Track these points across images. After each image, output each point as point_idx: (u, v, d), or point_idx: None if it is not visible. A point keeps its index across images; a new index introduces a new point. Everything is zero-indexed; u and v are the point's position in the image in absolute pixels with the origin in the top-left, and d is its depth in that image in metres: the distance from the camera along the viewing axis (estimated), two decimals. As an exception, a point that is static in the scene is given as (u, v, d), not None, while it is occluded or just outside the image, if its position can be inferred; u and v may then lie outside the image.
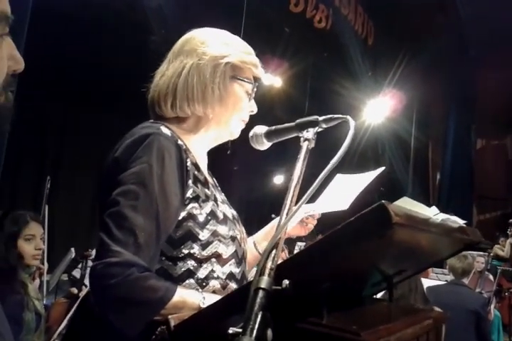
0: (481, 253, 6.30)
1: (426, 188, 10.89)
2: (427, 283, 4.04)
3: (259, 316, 0.69)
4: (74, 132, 5.84)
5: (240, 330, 0.69)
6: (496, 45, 9.14)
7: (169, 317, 0.92)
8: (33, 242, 2.48)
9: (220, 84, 1.27)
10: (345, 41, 8.15)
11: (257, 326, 0.68)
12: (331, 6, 7.76)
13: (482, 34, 9.11)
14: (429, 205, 1.20)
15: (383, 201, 0.72)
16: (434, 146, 11.26)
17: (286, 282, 0.75)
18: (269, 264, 0.77)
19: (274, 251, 0.80)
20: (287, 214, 0.88)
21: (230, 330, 0.71)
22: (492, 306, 4.86)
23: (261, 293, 0.72)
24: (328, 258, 0.79)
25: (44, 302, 3.35)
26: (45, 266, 3.51)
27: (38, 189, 5.37)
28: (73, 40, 5.05)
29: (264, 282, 0.74)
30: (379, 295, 1.93)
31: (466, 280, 4.09)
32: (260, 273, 0.76)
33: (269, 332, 0.71)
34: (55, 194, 5.53)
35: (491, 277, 5.70)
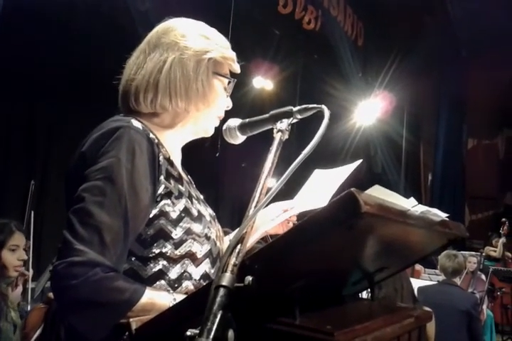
0: (473, 253, 6.28)
1: (418, 189, 10.89)
2: (418, 283, 4.00)
3: (219, 316, 0.64)
4: (62, 135, 5.75)
5: (198, 332, 0.63)
6: (487, 46, 9.19)
7: (130, 320, 0.86)
8: (16, 253, 2.41)
9: (203, 80, 1.23)
10: (334, 42, 8.13)
11: (215, 327, 0.62)
12: (320, 7, 7.74)
13: (472, 35, 9.15)
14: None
15: (353, 189, 0.67)
16: (426, 147, 11.27)
17: (249, 278, 0.69)
18: (232, 260, 0.72)
19: (238, 246, 0.74)
20: (255, 206, 0.83)
21: (188, 332, 0.65)
22: (484, 306, 4.83)
23: (221, 291, 0.67)
24: (296, 252, 0.73)
25: (29, 308, 3.28)
26: (30, 273, 3.44)
27: (26, 193, 5.29)
28: (59, 41, 4.99)
29: (226, 279, 0.68)
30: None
31: (458, 280, 4.05)
32: (222, 269, 0.70)
33: (230, 333, 0.65)
34: (43, 199, 5.43)
35: (484, 277, 5.67)
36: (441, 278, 4.16)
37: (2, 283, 2.36)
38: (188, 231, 1.15)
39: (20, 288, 3.09)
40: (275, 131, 1.06)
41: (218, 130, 1.33)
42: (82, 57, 5.10)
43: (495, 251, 7.54)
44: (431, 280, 4.96)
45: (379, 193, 0.75)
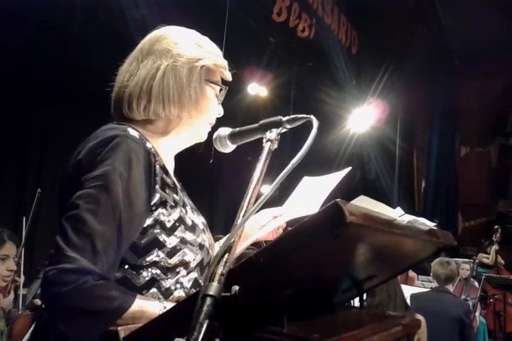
0: (466, 260, 6.30)
1: (411, 196, 10.92)
2: (411, 290, 4.00)
3: (205, 325, 0.64)
4: (57, 142, 5.74)
5: (184, 341, 0.64)
6: (479, 55, 9.27)
7: (119, 328, 0.86)
8: (5, 263, 2.40)
9: (196, 87, 1.25)
10: (328, 50, 8.16)
11: (201, 336, 0.63)
12: (314, 15, 7.78)
13: (465, 43, 9.24)
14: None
15: (338, 199, 0.68)
16: (419, 154, 11.32)
17: (235, 288, 0.69)
18: (220, 269, 0.72)
19: (226, 256, 0.75)
20: (243, 215, 0.83)
21: (175, 341, 0.66)
22: (477, 313, 4.83)
23: (208, 301, 0.67)
24: (283, 261, 0.74)
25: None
26: (22, 279, 3.42)
27: (19, 199, 5.27)
28: (54, 48, 4.99)
29: (213, 288, 0.69)
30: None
31: (450, 287, 4.06)
32: (210, 279, 0.71)
33: (217, 343, 0.65)
34: (36, 206, 5.41)
35: (476, 284, 5.68)
36: (434, 284, 4.17)
37: (-10, 293, 2.35)
38: (182, 240, 1.16)
39: (12, 295, 3.07)
40: (264, 140, 1.07)
41: (211, 137, 1.34)
42: (79, 64, 5.11)
43: (488, 258, 7.56)
44: (424, 286, 4.96)
45: (365, 203, 0.76)
